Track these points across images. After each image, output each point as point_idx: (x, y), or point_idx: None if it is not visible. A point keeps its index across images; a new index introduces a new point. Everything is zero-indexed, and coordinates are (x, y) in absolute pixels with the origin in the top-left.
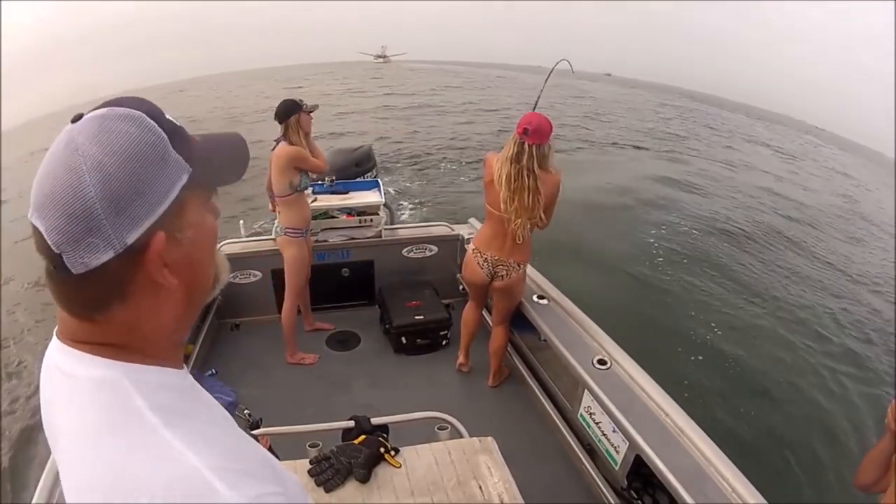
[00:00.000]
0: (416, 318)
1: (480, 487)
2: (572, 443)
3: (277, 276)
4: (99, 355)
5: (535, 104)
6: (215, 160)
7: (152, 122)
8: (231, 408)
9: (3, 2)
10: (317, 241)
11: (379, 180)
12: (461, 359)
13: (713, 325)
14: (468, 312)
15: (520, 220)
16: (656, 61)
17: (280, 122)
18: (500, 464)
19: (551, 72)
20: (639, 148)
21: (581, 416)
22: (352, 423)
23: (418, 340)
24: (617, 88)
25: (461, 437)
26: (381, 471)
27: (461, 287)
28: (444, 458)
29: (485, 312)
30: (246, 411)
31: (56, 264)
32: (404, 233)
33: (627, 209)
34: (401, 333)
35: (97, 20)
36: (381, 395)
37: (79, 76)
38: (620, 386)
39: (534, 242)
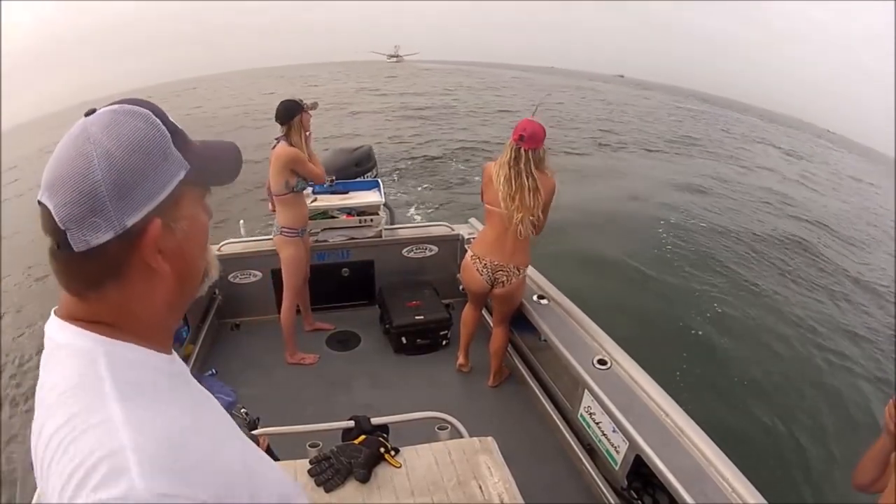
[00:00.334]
0: (417, 318)
1: (480, 487)
2: (572, 443)
3: (277, 276)
4: (88, 330)
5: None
6: (211, 162)
7: (158, 119)
8: (230, 407)
9: (3, 1)
10: (317, 241)
11: (379, 180)
12: (461, 359)
13: (713, 325)
14: (468, 313)
15: (521, 215)
16: (656, 61)
17: (282, 124)
18: (500, 464)
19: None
20: (651, 151)
21: (581, 416)
22: (352, 423)
23: (418, 340)
24: (630, 90)
25: (461, 437)
26: (381, 471)
27: (461, 287)
28: (444, 458)
29: (485, 312)
30: (243, 410)
31: (60, 242)
32: (404, 233)
33: (635, 208)
34: (401, 333)
35: (98, 20)
36: (381, 395)
37: (79, 76)
38: (620, 386)
39: (538, 244)
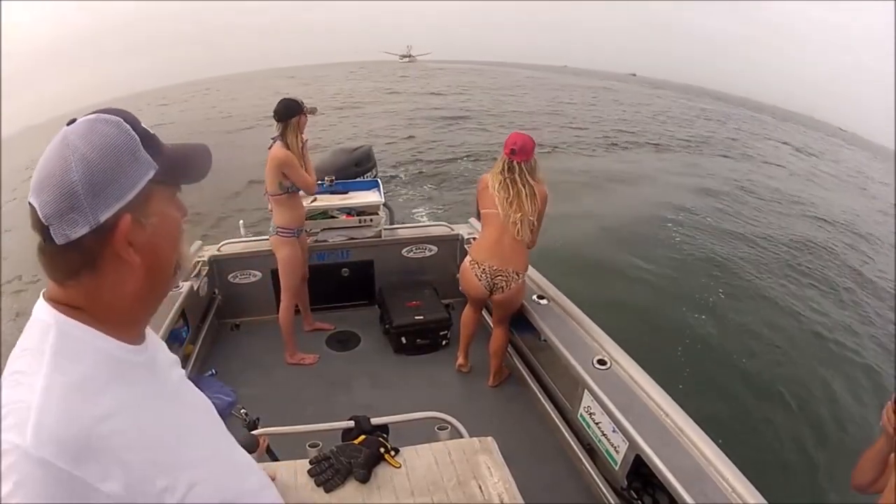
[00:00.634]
0: (416, 318)
1: (480, 487)
2: (572, 443)
3: (277, 276)
4: (56, 310)
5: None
6: (180, 162)
7: (128, 126)
8: (230, 407)
9: (2, 1)
10: (316, 241)
11: (378, 180)
12: (461, 359)
13: (715, 324)
14: (468, 315)
15: (519, 215)
16: (666, 60)
17: (279, 122)
18: (500, 464)
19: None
20: (658, 145)
21: (581, 416)
22: (352, 423)
23: (418, 340)
24: (643, 89)
25: (461, 437)
26: (381, 471)
27: (461, 287)
28: (444, 458)
29: (484, 313)
30: (243, 410)
31: (45, 236)
32: (404, 233)
33: (644, 206)
34: (401, 333)
35: (98, 20)
36: (381, 395)
37: (81, 78)
38: (620, 386)
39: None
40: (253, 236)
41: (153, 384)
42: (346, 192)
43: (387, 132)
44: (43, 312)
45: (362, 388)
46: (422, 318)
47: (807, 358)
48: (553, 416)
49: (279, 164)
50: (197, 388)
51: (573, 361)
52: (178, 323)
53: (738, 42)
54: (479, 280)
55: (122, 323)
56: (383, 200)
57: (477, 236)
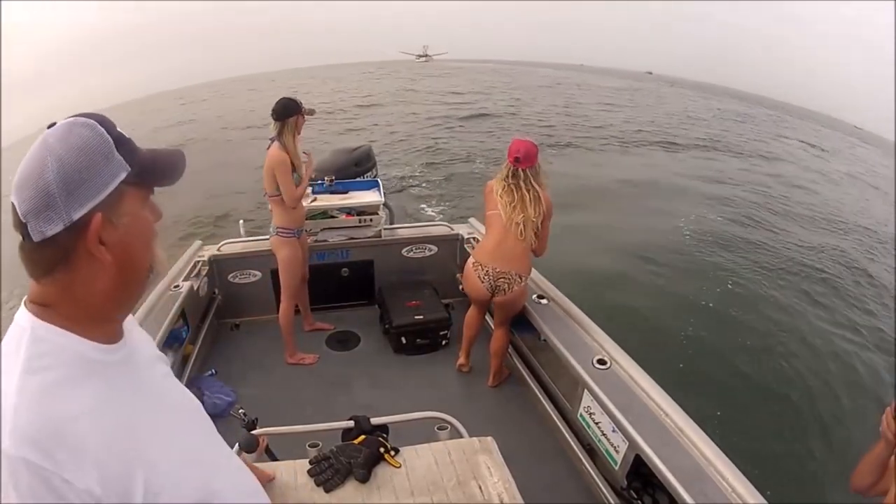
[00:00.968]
0: (416, 317)
1: (480, 487)
2: (572, 443)
3: (277, 276)
4: (35, 314)
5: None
6: (154, 166)
7: (103, 129)
8: (230, 407)
9: (2, 1)
10: (316, 240)
11: (378, 180)
12: (461, 359)
13: (715, 324)
14: (471, 316)
15: (522, 216)
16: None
17: (277, 120)
18: (500, 464)
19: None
20: (672, 143)
21: (581, 416)
22: (351, 423)
23: (418, 340)
24: (660, 87)
25: (461, 437)
26: (381, 471)
27: (461, 287)
28: (443, 458)
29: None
30: (241, 411)
31: (23, 234)
32: (404, 233)
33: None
34: (401, 333)
35: (101, 20)
36: (380, 395)
37: (85, 78)
38: (620, 386)
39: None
40: (253, 236)
41: (129, 382)
42: (345, 192)
43: (405, 129)
44: (22, 317)
45: (362, 388)
46: (422, 317)
47: (807, 358)
48: (553, 416)
49: (272, 167)
50: (183, 386)
51: (573, 361)
52: (178, 323)
53: (756, 39)
54: (482, 282)
55: (95, 320)
56: (383, 200)
57: (477, 236)
